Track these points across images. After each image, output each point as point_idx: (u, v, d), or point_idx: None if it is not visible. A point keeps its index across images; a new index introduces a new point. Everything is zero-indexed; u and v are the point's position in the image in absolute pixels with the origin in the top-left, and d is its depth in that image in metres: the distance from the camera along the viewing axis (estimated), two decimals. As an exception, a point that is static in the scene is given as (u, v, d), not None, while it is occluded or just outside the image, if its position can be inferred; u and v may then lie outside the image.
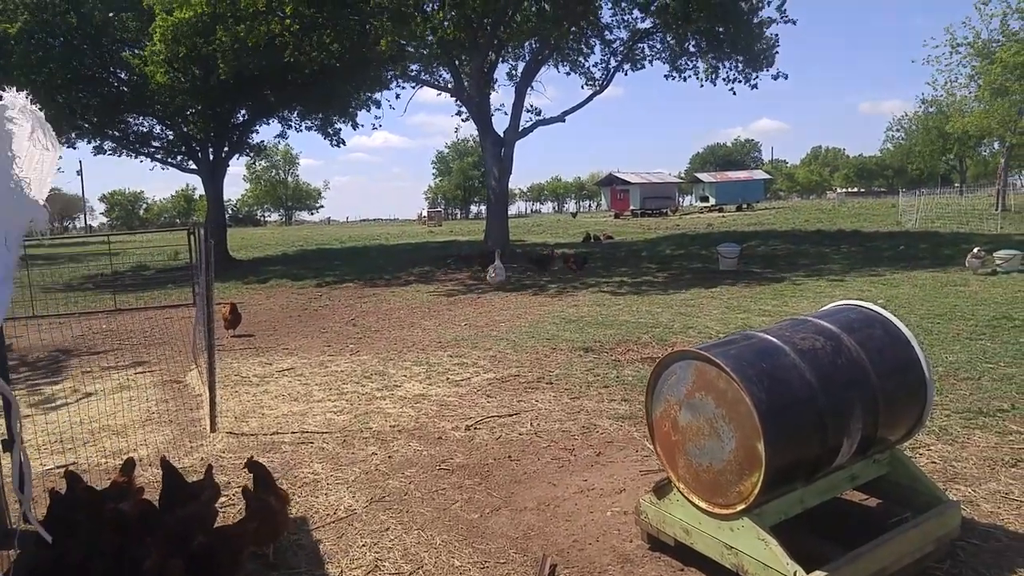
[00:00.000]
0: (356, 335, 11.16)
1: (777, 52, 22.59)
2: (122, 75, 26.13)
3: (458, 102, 22.78)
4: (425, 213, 70.24)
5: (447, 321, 11.84)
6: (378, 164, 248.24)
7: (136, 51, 24.14)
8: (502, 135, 21.39)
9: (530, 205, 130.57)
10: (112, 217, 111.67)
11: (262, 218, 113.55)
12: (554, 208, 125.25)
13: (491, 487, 4.98)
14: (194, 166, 28.51)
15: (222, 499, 4.84)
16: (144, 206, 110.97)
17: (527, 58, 22.48)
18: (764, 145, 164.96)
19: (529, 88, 22.40)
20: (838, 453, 3.53)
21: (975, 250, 14.41)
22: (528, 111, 22.83)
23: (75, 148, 29.82)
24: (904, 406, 3.79)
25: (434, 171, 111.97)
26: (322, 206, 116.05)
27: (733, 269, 16.29)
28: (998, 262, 14.12)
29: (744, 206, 54.78)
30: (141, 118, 27.71)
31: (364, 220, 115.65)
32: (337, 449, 5.90)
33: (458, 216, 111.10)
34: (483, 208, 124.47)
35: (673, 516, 3.77)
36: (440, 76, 23.42)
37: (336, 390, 7.72)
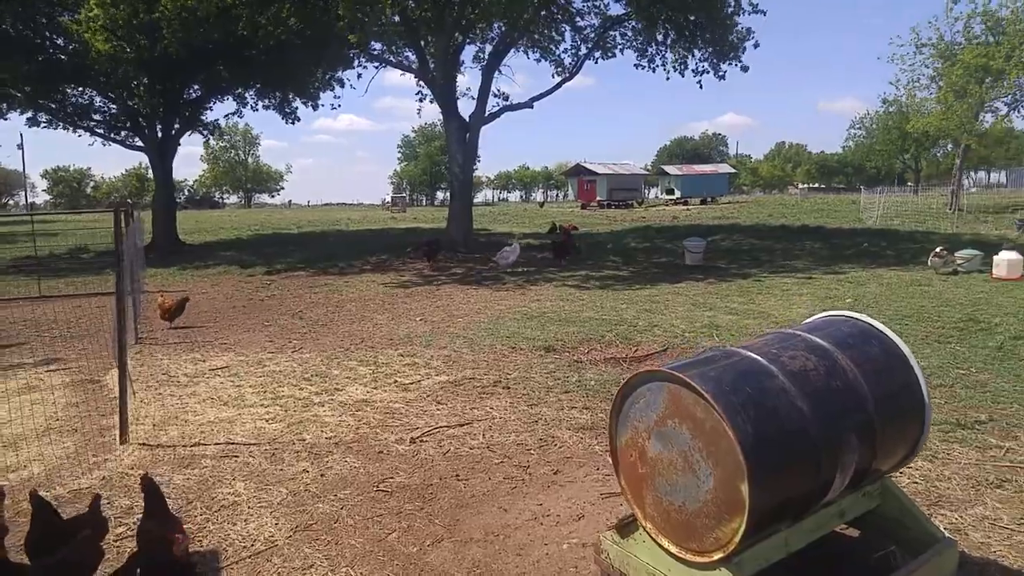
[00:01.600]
0: (301, 330, 10.48)
1: (748, 43, 22.22)
2: (60, 42, 24.69)
3: (420, 83, 22.03)
4: (389, 199, 69.06)
5: (401, 315, 11.21)
6: (343, 147, 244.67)
7: (74, 16, 22.78)
8: (467, 120, 20.70)
9: (498, 193, 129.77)
10: (56, 195, 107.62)
11: (220, 200, 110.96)
12: (522, 197, 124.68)
13: (434, 512, 4.42)
14: (141, 143, 27.17)
15: (121, 530, 4.21)
16: (92, 184, 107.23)
17: (495, 40, 21.80)
18: (730, 139, 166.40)
19: (497, 72, 21.75)
20: (830, 489, 3.05)
21: (938, 249, 14.30)
22: (495, 96, 22.25)
23: (5, 119, 28.15)
24: (902, 434, 3.32)
25: (399, 156, 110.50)
26: (283, 188, 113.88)
27: (699, 264, 15.92)
28: (959, 262, 14.05)
29: (709, 199, 54.80)
30: (81, 89, 26.21)
31: (328, 204, 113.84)
32: (264, 464, 5.29)
33: (423, 202, 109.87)
34: (449, 195, 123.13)
35: (639, 559, 3.25)
36: (405, 56, 22.62)
37: (271, 393, 7.07)
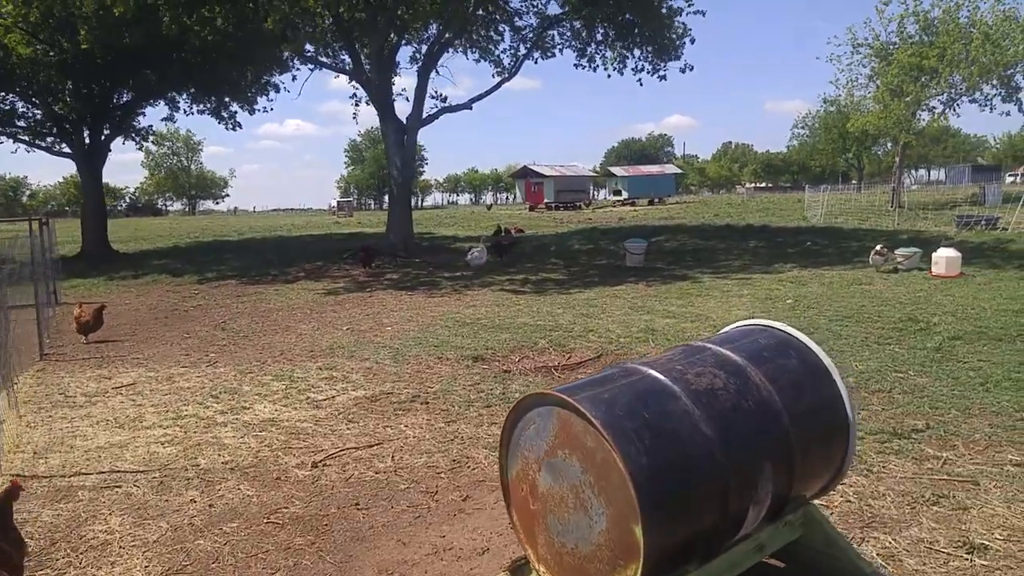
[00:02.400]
0: (221, 341, 9.88)
1: (687, 42, 22.22)
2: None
3: (354, 84, 21.43)
4: (335, 203, 67.88)
5: (328, 324, 10.68)
6: (290, 152, 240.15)
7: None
8: (405, 122, 20.18)
9: (447, 196, 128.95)
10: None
11: (164, 207, 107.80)
12: (471, 200, 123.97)
13: (326, 547, 3.98)
14: (68, 150, 25.95)
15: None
16: (28, 193, 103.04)
17: (431, 41, 21.31)
18: (676, 140, 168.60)
19: (434, 73, 21.29)
20: (743, 523, 2.70)
21: (878, 247, 14.31)
22: (433, 97, 21.76)
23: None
24: (824, 456, 3.00)
25: (346, 160, 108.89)
26: (227, 195, 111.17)
27: (640, 265, 15.71)
28: (899, 260, 14.07)
29: (656, 200, 55.11)
30: (3, 94, 24.89)
31: (276, 210, 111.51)
32: (148, 495, 4.77)
33: (372, 206, 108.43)
34: (388, 199, 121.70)
35: (532, 607, 2.86)
36: (341, 58, 22.00)
37: (173, 413, 6.51)
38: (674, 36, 21.89)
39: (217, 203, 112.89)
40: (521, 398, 2.79)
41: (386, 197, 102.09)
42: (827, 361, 3.10)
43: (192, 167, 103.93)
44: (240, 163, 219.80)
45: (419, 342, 8.96)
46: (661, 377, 2.66)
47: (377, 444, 5.51)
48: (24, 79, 23.15)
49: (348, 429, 5.88)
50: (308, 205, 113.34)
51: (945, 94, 32.41)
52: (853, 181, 73.47)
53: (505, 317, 10.43)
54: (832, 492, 4.24)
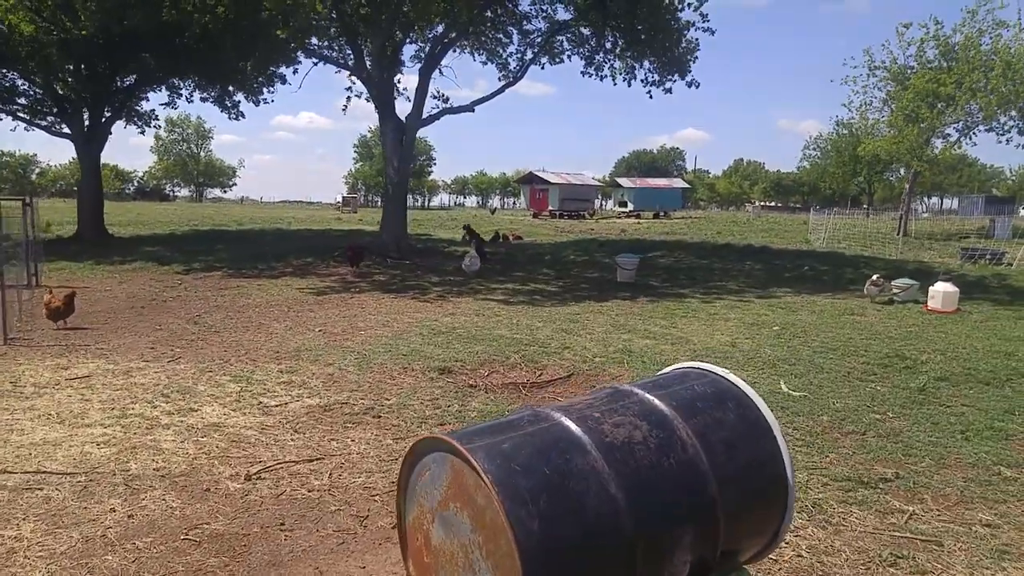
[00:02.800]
0: (191, 336, 9.63)
1: (696, 57, 22.00)
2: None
3: (353, 80, 21.21)
4: (340, 198, 67.77)
5: (302, 324, 10.43)
6: (303, 144, 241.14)
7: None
8: (404, 121, 19.95)
9: (454, 198, 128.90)
10: (0, 181, 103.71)
11: (171, 193, 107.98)
12: (478, 203, 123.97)
13: (238, 572, 3.72)
14: (68, 130, 25.77)
15: None
16: (38, 171, 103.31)
17: (432, 40, 21.06)
18: (688, 154, 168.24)
19: (438, 73, 21.08)
20: (656, 595, 2.43)
21: (874, 277, 14.00)
22: (435, 97, 21.52)
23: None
24: (758, 521, 2.73)
25: (355, 155, 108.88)
26: (235, 184, 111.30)
27: (630, 281, 15.42)
28: (895, 291, 13.74)
29: (662, 214, 54.83)
30: (4, 71, 24.71)
31: (285, 201, 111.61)
32: (69, 500, 4.52)
33: (379, 203, 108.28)
34: (383, 198, 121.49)
35: (425, 668, 2.59)
36: (347, 53, 21.75)
37: (120, 411, 6.26)
38: (684, 51, 21.67)
39: (225, 191, 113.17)
40: (416, 440, 2.54)
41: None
42: (769, 416, 2.83)
43: (201, 154, 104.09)
44: (252, 152, 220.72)
45: (389, 349, 8.70)
46: (572, 427, 2.40)
47: (318, 459, 5.25)
48: (26, 57, 23.00)
49: (292, 440, 5.62)
50: (316, 198, 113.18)
51: (961, 122, 31.89)
52: (864, 205, 72.95)
53: (483, 328, 10.16)
54: (779, 547, 3.98)
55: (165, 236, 28.14)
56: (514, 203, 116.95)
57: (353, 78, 20.98)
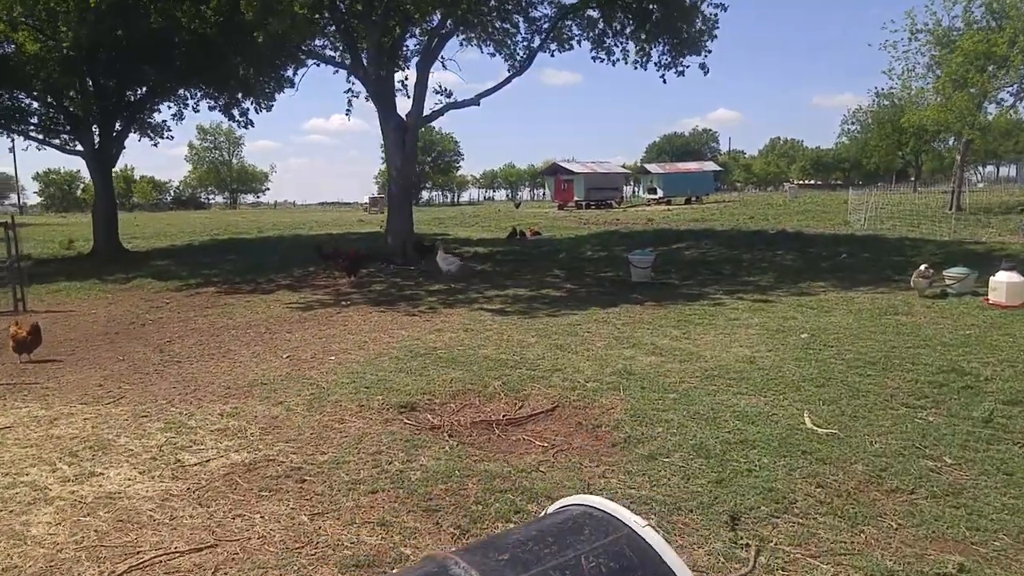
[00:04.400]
0: (148, 369, 8.77)
1: (715, 36, 20.55)
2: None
3: (351, 79, 20.28)
4: (367, 200, 67.36)
5: (271, 349, 9.49)
6: (335, 147, 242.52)
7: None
8: (405, 119, 18.94)
9: (483, 192, 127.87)
10: (46, 197, 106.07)
11: (206, 201, 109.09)
12: (507, 196, 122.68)
13: None
14: (81, 147, 25.38)
15: None
16: (81, 187, 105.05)
17: (430, 32, 19.95)
18: (722, 135, 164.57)
19: (441, 67, 20.07)
20: None
21: (922, 267, 12.23)
22: (438, 92, 20.47)
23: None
24: None
25: (382, 156, 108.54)
26: (268, 189, 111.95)
27: (646, 280, 14.16)
28: (948, 282, 12.03)
29: (694, 199, 53.05)
30: (14, 91, 24.41)
31: (321, 203, 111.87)
32: None
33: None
34: (435, 196, 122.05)
35: None
36: (344, 52, 20.81)
37: (11, 478, 5.36)
38: (700, 29, 20.25)
39: (259, 196, 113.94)
40: None
41: (423, 193, 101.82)
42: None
43: (233, 161, 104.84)
44: (287, 156, 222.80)
45: (353, 380, 7.67)
46: None
47: (210, 546, 4.24)
48: (31, 76, 22.69)
49: (191, 517, 4.62)
50: (346, 200, 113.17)
51: (1016, 85, 29.52)
52: (911, 179, 69.53)
53: (467, 347, 9.08)
54: None
55: (181, 248, 27.70)
56: (543, 195, 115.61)
57: (352, 78, 20.09)
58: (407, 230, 19.15)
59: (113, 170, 26.37)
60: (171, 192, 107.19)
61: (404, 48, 21.13)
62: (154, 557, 4.13)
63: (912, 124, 37.64)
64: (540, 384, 7.43)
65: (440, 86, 20.57)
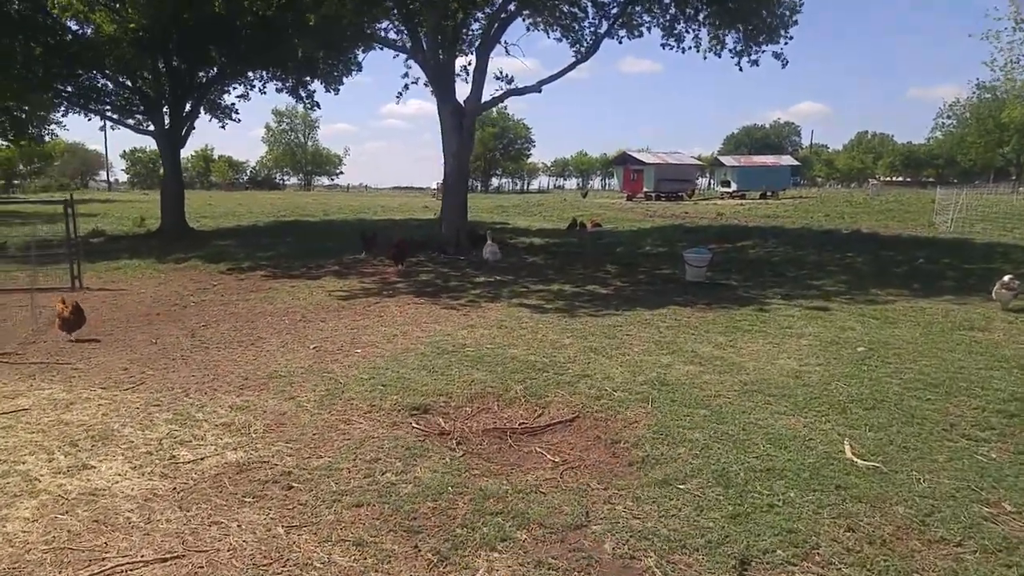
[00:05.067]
0: (176, 354, 8.73)
1: (795, 21, 19.46)
2: (72, 25, 23.82)
3: (409, 63, 20.05)
4: (435, 185, 67.62)
5: (300, 338, 9.33)
6: (411, 131, 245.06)
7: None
8: (463, 104, 18.61)
9: (554, 181, 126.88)
10: (133, 175, 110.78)
11: (281, 182, 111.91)
12: (578, 185, 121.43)
13: None
14: (152, 127, 26.11)
15: None
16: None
17: (490, 15, 19.48)
18: (804, 129, 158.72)
19: (502, 51, 19.61)
20: None
21: (1007, 278, 11.09)
22: (498, 79, 20.05)
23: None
24: None
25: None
26: (341, 172, 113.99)
27: (700, 280, 13.45)
28: (1036, 296, 10.99)
29: (769, 194, 51.18)
30: (94, 72, 25.22)
31: (396, 187, 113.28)
32: None
33: (478, 188, 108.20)
34: (504, 183, 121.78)
35: None
36: (404, 35, 20.59)
37: (8, 465, 5.29)
38: (783, 14, 19.19)
39: (333, 179, 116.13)
40: None
41: (492, 180, 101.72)
42: None
43: (308, 144, 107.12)
44: (364, 140, 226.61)
45: (372, 376, 7.41)
46: None
47: (176, 557, 4.01)
48: (105, 56, 23.39)
49: (168, 522, 4.41)
50: (419, 184, 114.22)
51: None
52: (1013, 178, 65.22)
53: (497, 346, 8.71)
54: None
55: (245, 228, 28.26)
56: (613, 185, 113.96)
57: (410, 62, 19.89)
58: (461, 219, 18.87)
59: (192, 150, 27.14)
60: (248, 172, 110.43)
61: (468, 32, 20.71)
62: (118, 565, 3.93)
63: (1014, 119, 35.19)
64: (564, 390, 7.00)
65: (501, 72, 20.19)
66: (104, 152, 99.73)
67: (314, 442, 5.68)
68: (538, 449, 5.77)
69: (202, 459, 5.37)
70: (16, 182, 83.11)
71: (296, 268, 16.14)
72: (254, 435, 5.86)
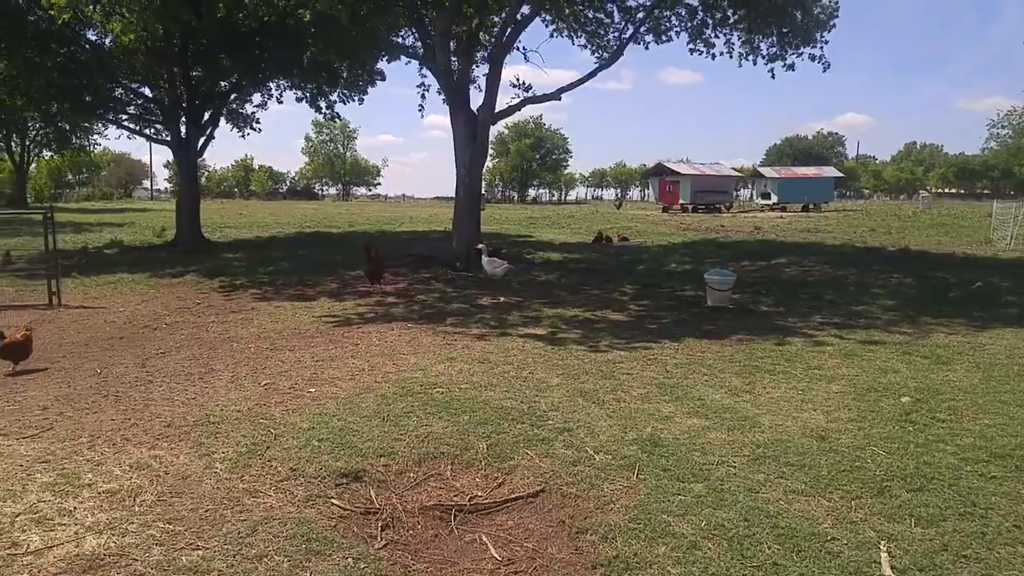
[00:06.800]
0: (114, 389, 7.72)
1: (833, 26, 18.05)
2: (90, 35, 23.50)
3: (423, 72, 19.09)
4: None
5: (255, 372, 8.25)
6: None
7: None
8: (477, 113, 17.51)
9: (591, 191, 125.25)
10: (175, 184, 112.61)
11: (320, 192, 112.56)
12: (616, 195, 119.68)
13: None
14: (168, 136, 25.59)
15: None
16: (205, 175, 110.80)
17: (501, 22, 18.37)
18: (849, 140, 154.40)
19: (522, 57, 18.57)
20: None
21: None
22: (514, 86, 18.94)
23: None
24: None
25: (492, 151, 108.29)
26: (379, 183, 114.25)
27: (724, 305, 12.06)
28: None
29: (811, 206, 49.07)
30: (113, 83, 24.81)
31: (437, 197, 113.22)
32: None
33: (515, 199, 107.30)
34: (540, 192, 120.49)
35: None
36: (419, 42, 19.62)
37: None
38: (819, 16, 17.79)
39: (370, 190, 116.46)
40: None
41: (529, 191, 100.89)
42: None
43: (347, 154, 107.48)
44: (408, 151, 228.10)
45: (312, 426, 6.26)
46: None
47: None
48: (128, 66, 23.02)
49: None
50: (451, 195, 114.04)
51: None
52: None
53: (473, 385, 7.50)
54: None
55: (263, 240, 27.57)
56: (649, 196, 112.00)
57: (424, 70, 18.94)
58: (474, 234, 17.73)
59: (232, 160, 26.66)
60: (287, 183, 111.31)
61: (482, 37, 19.64)
62: None
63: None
64: (536, 450, 5.77)
65: (518, 79, 19.04)
66: (148, 161, 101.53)
67: (201, 524, 4.54)
68: (484, 537, 4.56)
69: (50, 548, 4.26)
70: (60, 191, 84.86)
71: (292, 285, 15.17)
72: (136, 510, 4.74)
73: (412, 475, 5.41)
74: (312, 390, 7.45)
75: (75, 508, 4.77)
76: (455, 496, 5.11)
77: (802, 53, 17.55)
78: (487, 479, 5.39)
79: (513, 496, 5.08)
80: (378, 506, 4.89)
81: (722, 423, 6.35)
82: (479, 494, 5.16)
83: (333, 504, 4.86)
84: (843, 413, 6.63)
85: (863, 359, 8.66)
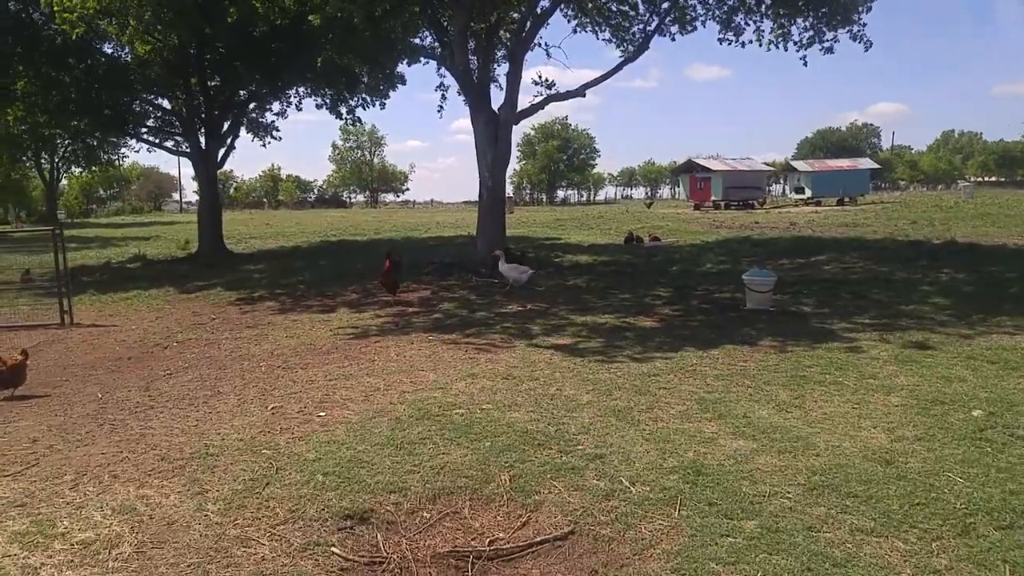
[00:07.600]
0: (110, 417, 7.26)
1: (870, 7, 17.10)
2: (107, 49, 23.38)
3: (442, 72, 18.53)
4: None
5: (264, 394, 7.74)
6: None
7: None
8: (498, 113, 16.92)
9: (620, 191, 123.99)
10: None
11: (348, 200, 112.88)
12: (646, 194, 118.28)
13: None
14: (188, 148, 25.41)
15: None
16: (234, 186, 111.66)
17: (519, 17, 17.74)
18: (884, 130, 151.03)
19: (544, 55, 18.01)
20: None
21: None
22: (537, 84, 18.32)
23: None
24: None
25: (519, 154, 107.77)
26: (407, 189, 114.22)
27: (764, 308, 11.30)
28: None
29: (846, 199, 47.65)
30: (131, 96, 24.68)
31: (465, 202, 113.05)
32: None
33: (544, 201, 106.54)
34: (569, 193, 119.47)
35: None
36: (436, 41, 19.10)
37: None
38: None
39: (398, 196, 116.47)
40: None
41: (558, 192, 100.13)
42: None
43: (375, 161, 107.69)
44: (435, 156, 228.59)
45: (318, 457, 5.70)
46: None
47: None
48: (144, 79, 22.88)
49: None
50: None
51: None
52: None
53: (496, 405, 6.89)
54: None
55: (287, 250, 27.23)
56: (680, 194, 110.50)
57: (443, 70, 18.38)
58: (498, 237, 17.13)
59: (260, 170, 26.47)
60: (315, 191, 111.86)
61: (502, 35, 19.06)
62: None
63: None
64: (565, 481, 5.14)
65: (540, 77, 18.43)
66: (177, 174, 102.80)
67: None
68: (505, 591, 3.95)
69: (9, 614, 3.74)
70: (92, 207, 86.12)
71: (312, 297, 14.71)
72: (109, 566, 4.21)
73: (426, 514, 4.81)
74: (322, 414, 6.90)
75: (41, 566, 4.24)
76: (473, 539, 4.51)
77: (842, 34, 16.64)
78: (509, 517, 4.78)
79: (539, 539, 4.45)
80: (385, 554, 4.31)
81: (772, 445, 5.66)
82: (500, 536, 4.55)
83: (334, 553, 4.29)
84: (907, 431, 5.89)
85: (922, 366, 7.87)
